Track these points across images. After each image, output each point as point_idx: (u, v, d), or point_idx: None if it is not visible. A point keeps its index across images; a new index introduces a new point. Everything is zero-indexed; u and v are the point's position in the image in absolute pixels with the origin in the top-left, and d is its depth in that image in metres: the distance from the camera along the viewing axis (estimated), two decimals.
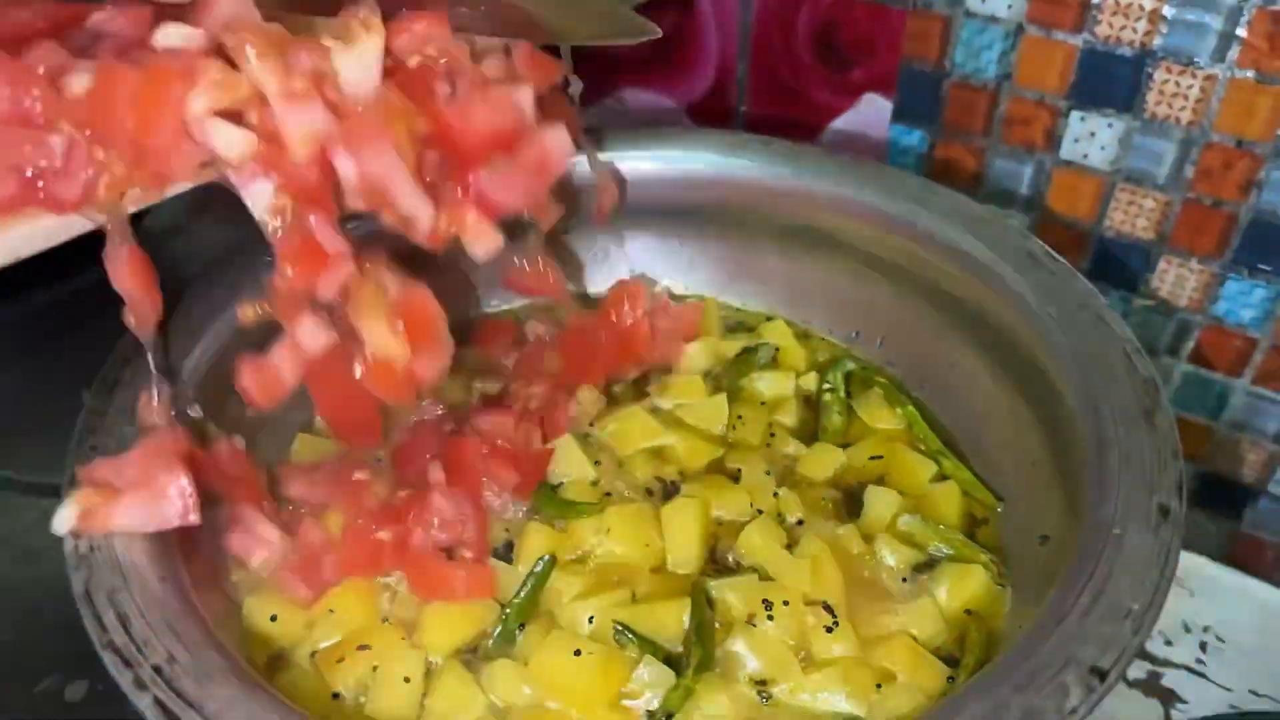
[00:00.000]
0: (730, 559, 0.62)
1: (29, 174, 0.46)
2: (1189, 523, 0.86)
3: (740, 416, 0.70)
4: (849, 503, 0.66)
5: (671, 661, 0.56)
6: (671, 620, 0.58)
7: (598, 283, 0.82)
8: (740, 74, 0.90)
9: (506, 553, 0.62)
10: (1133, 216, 0.78)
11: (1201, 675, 0.70)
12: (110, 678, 0.62)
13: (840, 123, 0.88)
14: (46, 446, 0.78)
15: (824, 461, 0.68)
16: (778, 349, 0.76)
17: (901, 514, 0.64)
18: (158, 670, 0.43)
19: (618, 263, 0.82)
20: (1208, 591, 0.75)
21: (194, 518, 0.50)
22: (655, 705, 0.54)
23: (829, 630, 0.57)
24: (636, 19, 0.61)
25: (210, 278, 0.65)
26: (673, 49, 0.92)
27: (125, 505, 0.50)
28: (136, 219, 1.01)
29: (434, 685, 0.56)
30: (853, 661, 0.56)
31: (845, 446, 0.69)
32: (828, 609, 0.58)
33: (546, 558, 0.60)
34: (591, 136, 0.73)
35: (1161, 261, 0.79)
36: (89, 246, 0.95)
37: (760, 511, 0.63)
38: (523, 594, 0.59)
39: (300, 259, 0.52)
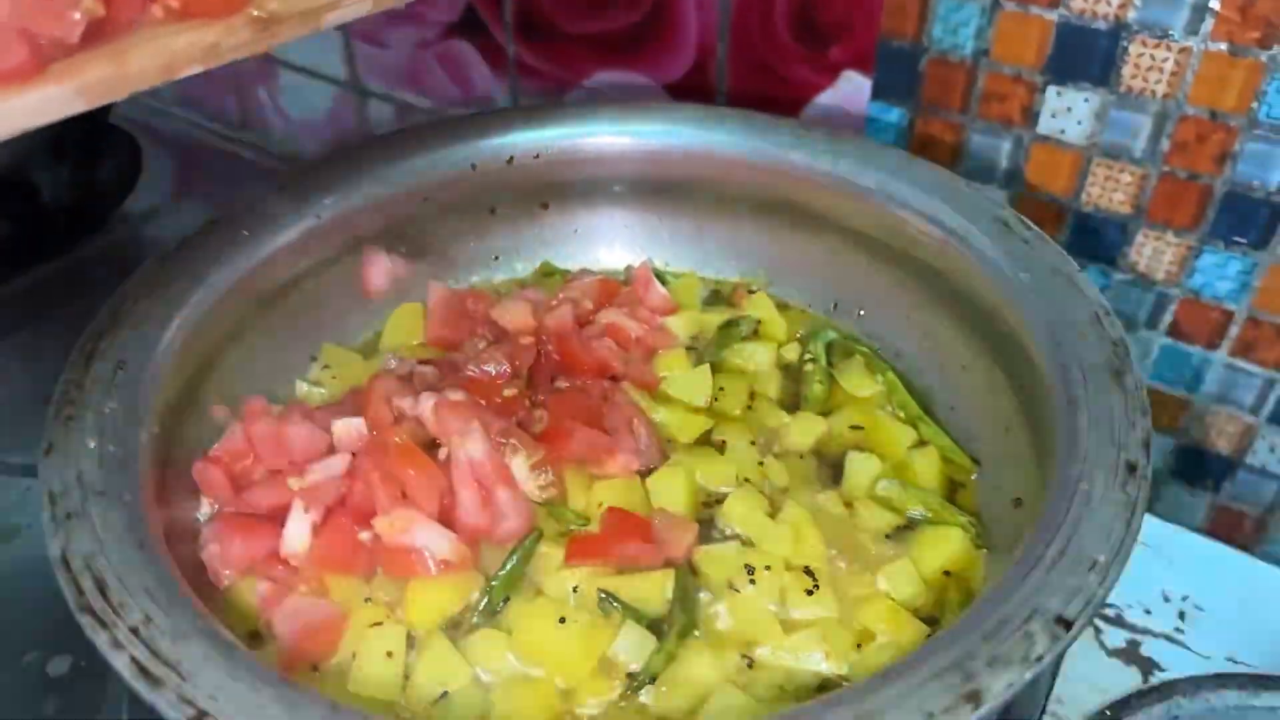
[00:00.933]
0: (715, 529, 0.63)
1: None
2: (1168, 495, 0.88)
3: (723, 388, 0.71)
4: (830, 470, 0.67)
5: (655, 629, 0.57)
6: (655, 588, 0.58)
7: (578, 258, 0.82)
8: (720, 54, 0.91)
9: None
10: (1110, 190, 0.79)
11: (1180, 644, 0.71)
12: (93, 653, 0.62)
13: (820, 100, 0.88)
14: (23, 427, 0.78)
15: (806, 430, 0.68)
16: (759, 321, 0.77)
17: (881, 479, 0.64)
18: (134, 631, 0.43)
19: (597, 238, 0.82)
20: (1186, 561, 0.76)
21: None
22: (636, 668, 0.55)
23: (809, 593, 0.58)
24: None
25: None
26: (653, 29, 0.92)
27: None
28: (117, 202, 1.02)
29: (418, 657, 0.56)
30: (833, 622, 0.57)
31: (827, 415, 0.70)
32: (809, 573, 0.59)
33: (535, 532, 0.60)
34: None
35: (1139, 235, 0.79)
36: (63, 233, 0.96)
37: (747, 480, 0.64)
38: (508, 567, 0.59)
39: None
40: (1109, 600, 0.71)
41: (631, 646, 0.55)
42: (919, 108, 0.84)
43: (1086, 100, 0.76)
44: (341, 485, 0.59)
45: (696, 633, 0.57)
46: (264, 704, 0.40)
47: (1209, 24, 0.69)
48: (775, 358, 0.74)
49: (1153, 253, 0.80)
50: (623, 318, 0.73)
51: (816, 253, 0.76)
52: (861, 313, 0.76)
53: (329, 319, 0.74)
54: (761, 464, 0.65)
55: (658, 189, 0.79)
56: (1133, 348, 0.58)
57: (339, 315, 0.75)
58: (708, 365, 0.72)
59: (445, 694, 0.54)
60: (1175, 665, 0.69)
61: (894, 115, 0.85)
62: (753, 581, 0.58)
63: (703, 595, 0.59)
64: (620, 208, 0.81)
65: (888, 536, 0.62)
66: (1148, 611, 0.73)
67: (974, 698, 0.41)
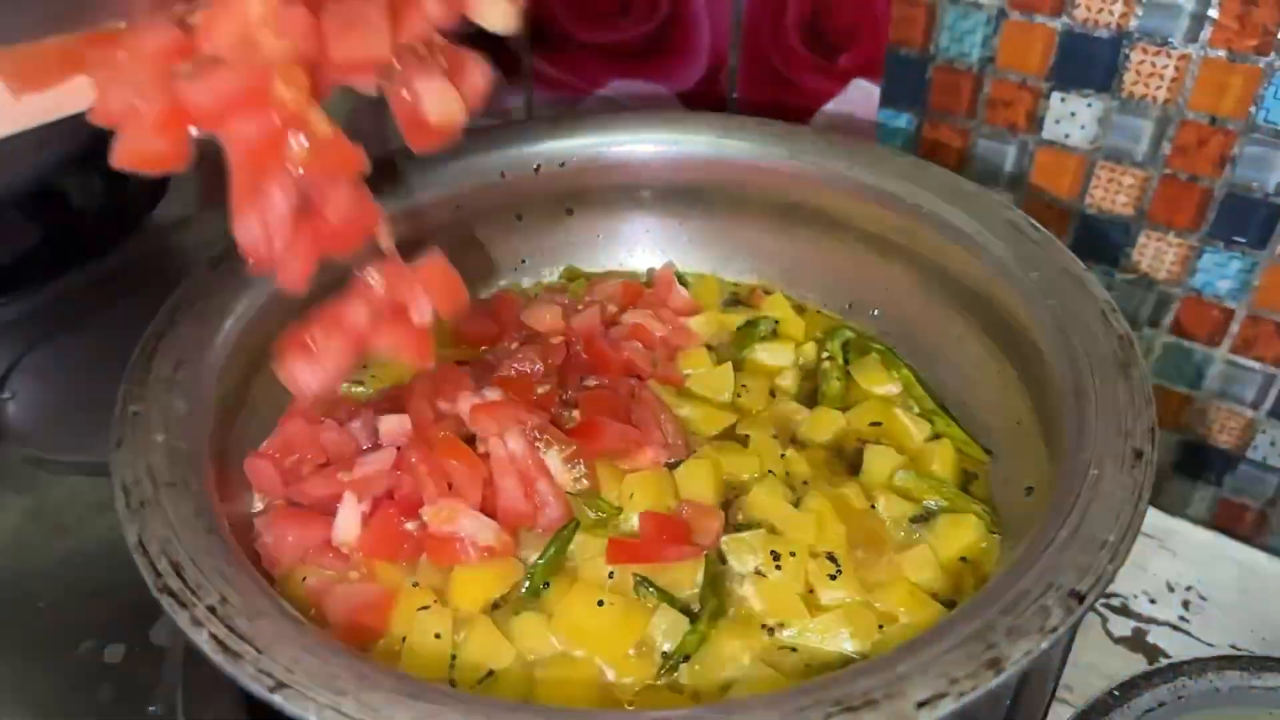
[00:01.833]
0: (741, 518, 0.65)
1: None
2: (1172, 489, 0.90)
3: (745, 385, 0.73)
4: (849, 462, 0.69)
5: (687, 613, 0.59)
6: (687, 574, 0.60)
7: (602, 262, 0.85)
8: (732, 62, 0.93)
9: None
10: (1113, 193, 0.81)
11: (1185, 632, 0.73)
12: (146, 640, 0.65)
13: (830, 107, 0.91)
14: (74, 426, 0.81)
15: (825, 424, 0.71)
16: (777, 321, 0.79)
17: (899, 470, 0.67)
18: (212, 610, 0.46)
19: (619, 242, 0.85)
20: (1190, 553, 0.78)
21: None
22: (670, 649, 0.57)
23: (833, 578, 0.60)
24: None
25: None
26: (667, 39, 0.94)
27: None
28: (147, 209, 1.04)
29: (464, 639, 0.58)
30: (856, 604, 0.59)
31: (844, 410, 0.72)
32: (831, 559, 0.61)
33: (572, 522, 0.63)
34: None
35: (1141, 236, 0.82)
36: (94, 241, 0.98)
37: (771, 472, 0.66)
38: (549, 554, 0.61)
39: None
40: (1115, 590, 0.74)
41: (667, 628, 0.57)
42: (926, 114, 0.86)
43: (1090, 106, 0.78)
44: (389, 478, 0.62)
45: (727, 615, 0.59)
46: (336, 674, 0.43)
47: (1208, 32, 0.72)
48: (794, 356, 0.76)
49: (1155, 253, 0.82)
50: (647, 318, 0.75)
51: (832, 255, 0.78)
52: (875, 313, 0.78)
53: None
54: (784, 456, 0.67)
55: (678, 194, 0.81)
56: (1138, 344, 0.60)
57: None
58: (729, 363, 0.74)
59: (491, 673, 0.56)
60: (1180, 653, 0.71)
61: (902, 121, 0.88)
62: (778, 567, 0.60)
63: (731, 580, 0.61)
64: (642, 213, 0.83)
65: (907, 524, 0.64)
66: (1153, 601, 0.75)
67: (994, 664, 0.43)
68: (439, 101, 0.55)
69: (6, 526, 0.73)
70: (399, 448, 0.63)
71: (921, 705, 0.42)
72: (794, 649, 0.58)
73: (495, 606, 0.60)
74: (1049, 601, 0.46)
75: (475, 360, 0.73)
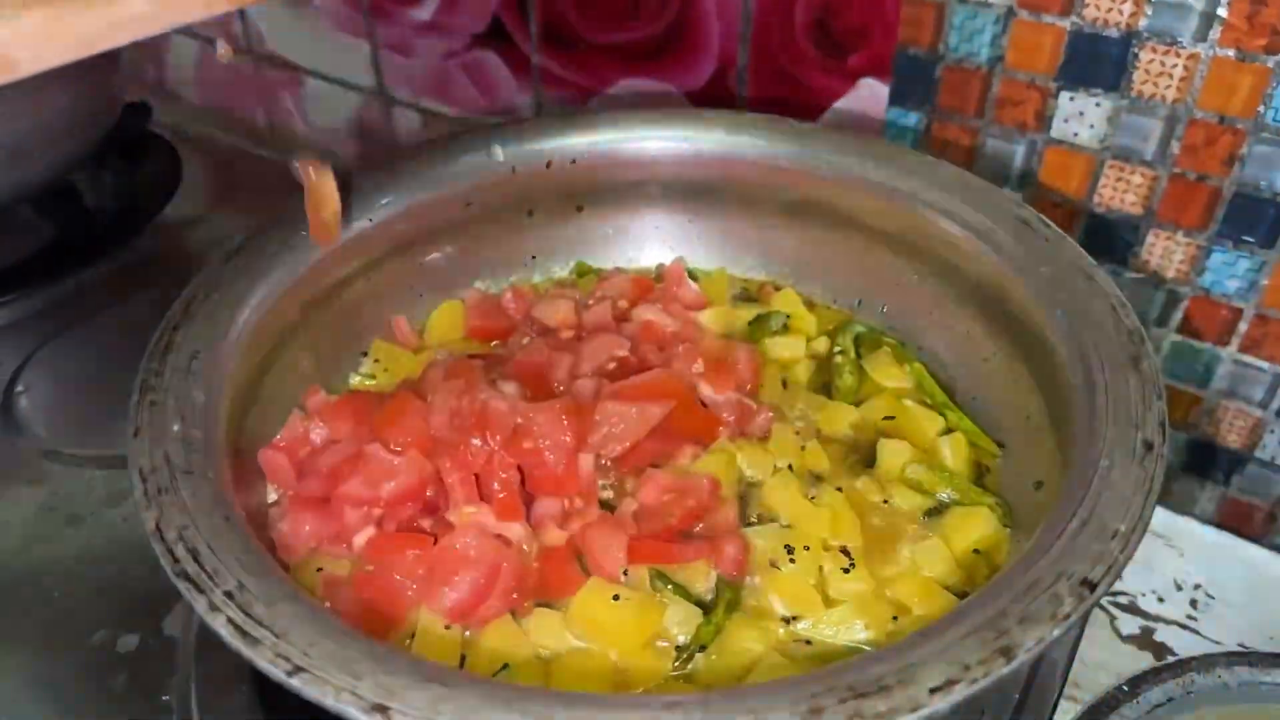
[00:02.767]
0: (756, 513, 0.65)
1: None
2: (1180, 488, 0.90)
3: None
4: (863, 456, 0.70)
5: (702, 605, 0.59)
6: (702, 570, 0.61)
7: (612, 258, 0.85)
8: (741, 61, 0.93)
9: None
10: (1121, 192, 0.81)
11: (1193, 630, 0.73)
12: (159, 630, 0.66)
13: (839, 106, 0.91)
14: (86, 420, 0.82)
15: (839, 418, 0.71)
16: (789, 316, 0.79)
17: (911, 464, 0.67)
18: (229, 595, 0.46)
19: (629, 238, 0.85)
20: (1198, 552, 0.78)
21: None
22: (685, 641, 0.57)
23: (846, 571, 0.60)
24: None
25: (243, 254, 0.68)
26: (676, 38, 0.95)
27: None
28: (159, 208, 1.05)
29: (479, 632, 0.58)
30: (870, 596, 0.60)
31: (857, 405, 0.72)
32: (845, 552, 0.62)
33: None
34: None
35: (1150, 235, 0.82)
36: (105, 238, 0.99)
37: (790, 467, 0.67)
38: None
39: None
40: (1124, 589, 0.74)
41: (681, 620, 0.58)
42: (935, 113, 0.86)
43: (1099, 105, 0.78)
44: (408, 485, 0.61)
45: (741, 608, 0.60)
46: (353, 658, 0.43)
47: (1217, 31, 0.72)
48: (806, 350, 0.76)
49: (1163, 252, 0.82)
50: (657, 313, 0.76)
51: (841, 251, 0.79)
52: (885, 309, 0.79)
53: (378, 316, 0.77)
54: (804, 448, 0.68)
55: (688, 191, 0.82)
56: (1148, 339, 0.60)
57: (387, 312, 0.78)
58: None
59: (506, 666, 0.57)
60: (1187, 651, 0.71)
61: (911, 120, 0.88)
62: (793, 560, 0.61)
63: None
64: (652, 209, 0.84)
65: (920, 517, 0.65)
66: (1161, 600, 0.75)
67: (1006, 651, 0.44)
68: None
69: (20, 519, 0.74)
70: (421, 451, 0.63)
71: (934, 691, 0.42)
72: (808, 641, 0.58)
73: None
74: (1060, 590, 0.46)
75: (487, 354, 0.74)
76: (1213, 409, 0.87)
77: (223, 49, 1.06)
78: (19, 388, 0.84)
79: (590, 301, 0.78)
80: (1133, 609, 0.75)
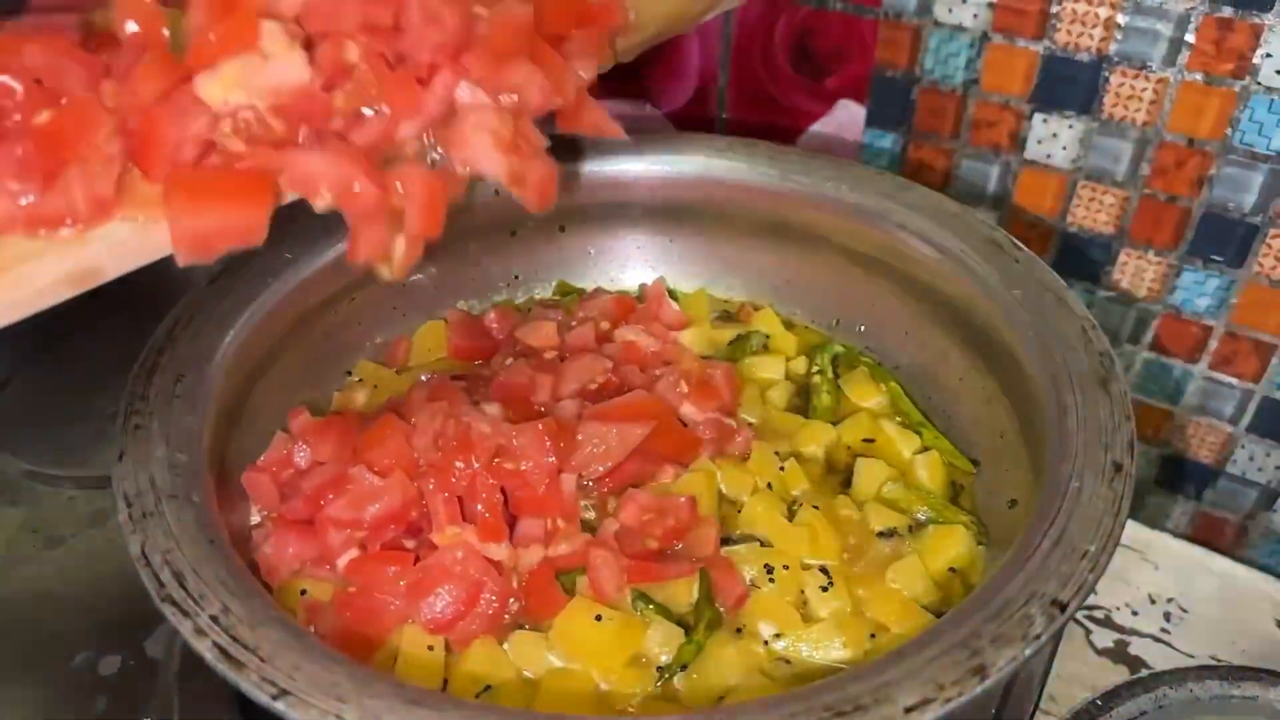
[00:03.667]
0: (737, 533, 0.66)
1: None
2: (1153, 502, 0.92)
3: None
4: (840, 476, 0.70)
5: (683, 625, 0.60)
6: (683, 589, 0.61)
7: (593, 278, 0.86)
8: (721, 83, 0.94)
9: None
10: (1094, 212, 0.83)
11: (1166, 643, 0.74)
12: (141, 652, 0.66)
13: (817, 128, 0.92)
14: (68, 440, 0.82)
15: (817, 438, 0.72)
16: (768, 336, 0.80)
17: (888, 483, 0.68)
18: (214, 619, 0.47)
19: (611, 258, 0.86)
20: (1171, 566, 0.79)
21: None
22: (667, 660, 0.58)
23: (825, 590, 0.61)
24: None
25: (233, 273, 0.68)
26: (657, 60, 0.96)
27: None
28: None
29: (461, 654, 0.58)
30: (848, 615, 0.60)
31: (835, 424, 0.73)
32: (824, 571, 0.63)
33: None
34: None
35: (1122, 254, 0.83)
36: None
37: (770, 486, 0.67)
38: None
39: None
40: (1099, 603, 0.75)
41: (662, 640, 0.58)
42: (912, 134, 0.88)
43: (1071, 127, 0.80)
44: (392, 508, 0.61)
45: (722, 626, 0.60)
46: (337, 681, 0.44)
47: (1185, 56, 0.73)
48: (785, 370, 0.77)
49: (1135, 271, 0.83)
50: (639, 334, 0.76)
51: (819, 272, 0.80)
52: (862, 329, 0.80)
53: (361, 336, 0.78)
54: (783, 468, 0.68)
55: (669, 212, 0.83)
56: (1118, 361, 0.61)
57: (370, 332, 0.78)
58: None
59: (489, 688, 0.57)
60: (1161, 664, 0.72)
61: (888, 141, 0.89)
62: (772, 580, 0.61)
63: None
64: (633, 230, 0.84)
65: (896, 536, 0.66)
66: (1135, 613, 0.76)
67: (979, 671, 0.45)
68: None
69: (1, 539, 0.74)
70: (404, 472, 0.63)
71: (909, 711, 0.43)
72: (788, 660, 0.59)
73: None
74: (1032, 610, 0.47)
75: (470, 374, 0.74)
76: (1184, 425, 0.88)
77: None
78: None
79: (573, 322, 0.78)
80: (1107, 623, 0.76)
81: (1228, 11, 0.71)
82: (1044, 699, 0.69)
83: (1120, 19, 0.74)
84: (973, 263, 0.69)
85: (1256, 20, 0.70)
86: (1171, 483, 0.91)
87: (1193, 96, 0.74)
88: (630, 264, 0.86)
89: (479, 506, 0.61)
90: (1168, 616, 0.76)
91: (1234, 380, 0.84)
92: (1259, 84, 0.72)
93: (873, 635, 0.59)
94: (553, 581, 0.60)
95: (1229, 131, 0.74)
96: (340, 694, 0.43)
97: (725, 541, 0.65)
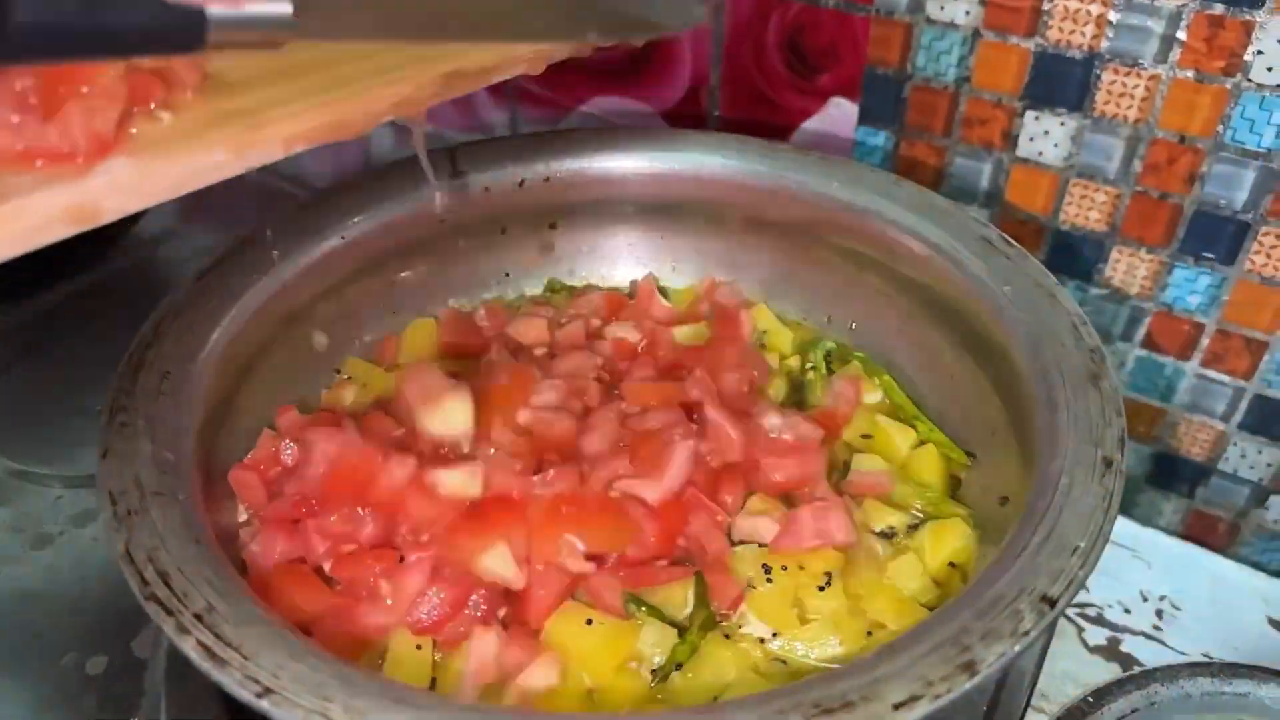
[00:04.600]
0: (732, 532, 0.65)
1: None
2: (1145, 500, 0.92)
3: None
4: (839, 472, 0.70)
5: (676, 627, 0.59)
6: (678, 592, 0.61)
7: (584, 275, 0.86)
8: (713, 81, 0.94)
9: None
10: (1086, 209, 0.82)
11: (1158, 641, 0.74)
12: (129, 652, 0.65)
13: (809, 125, 0.92)
14: (54, 440, 0.81)
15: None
16: (764, 332, 0.80)
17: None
18: (198, 617, 0.46)
19: (602, 255, 0.86)
20: (1163, 563, 0.79)
21: None
22: (660, 662, 0.58)
23: (822, 589, 0.61)
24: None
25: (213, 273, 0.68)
26: (648, 58, 0.96)
27: None
28: (129, 223, 1.05)
29: (448, 655, 0.58)
30: (844, 613, 0.60)
31: None
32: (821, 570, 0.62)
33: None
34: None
35: (1113, 251, 0.83)
36: (76, 255, 0.99)
37: None
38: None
39: None
40: (1090, 600, 0.75)
41: (655, 641, 0.58)
42: (904, 132, 0.87)
43: (1063, 124, 0.80)
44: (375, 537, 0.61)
45: (717, 627, 0.60)
46: (323, 680, 0.43)
47: (1177, 53, 0.73)
48: (780, 367, 0.77)
49: (1127, 268, 0.83)
50: (629, 331, 0.76)
51: (811, 269, 0.80)
52: (854, 326, 0.79)
53: (350, 333, 0.77)
54: None
55: (660, 209, 0.83)
56: (1109, 358, 0.61)
57: (359, 330, 0.78)
58: None
59: None
60: (1153, 662, 0.72)
61: (880, 139, 0.89)
62: (769, 580, 0.61)
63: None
64: (625, 227, 0.84)
65: (894, 534, 0.65)
66: (1127, 610, 0.76)
67: (969, 668, 0.44)
68: None
69: None
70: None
71: (898, 707, 0.43)
72: (784, 661, 0.58)
73: None
74: (1022, 606, 0.47)
75: (460, 372, 0.74)
76: (1176, 422, 0.88)
77: None
78: None
79: (564, 320, 0.78)
80: (1099, 620, 0.76)
81: (1219, 9, 0.70)
82: (1035, 697, 0.69)
83: (1112, 16, 0.74)
84: (965, 260, 0.69)
85: (1248, 17, 0.70)
86: (1163, 480, 0.91)
87: (1184, 94, 0.74)
88: (621, 261, 0.86)
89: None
90: (1160, 614, 0.76)
91: (1226, 377, 0.84)
92: (1250, 81, 0.72)
93: (869, 633, 0.59)
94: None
95: (1220, 129, 0.74)
96: (326, 693, 0.43)
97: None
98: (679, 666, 0.57)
